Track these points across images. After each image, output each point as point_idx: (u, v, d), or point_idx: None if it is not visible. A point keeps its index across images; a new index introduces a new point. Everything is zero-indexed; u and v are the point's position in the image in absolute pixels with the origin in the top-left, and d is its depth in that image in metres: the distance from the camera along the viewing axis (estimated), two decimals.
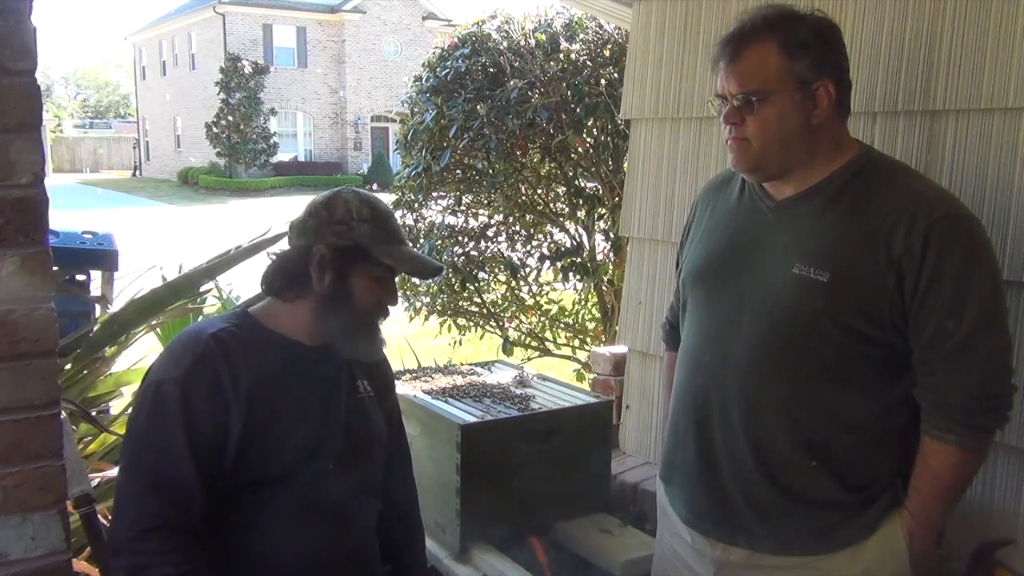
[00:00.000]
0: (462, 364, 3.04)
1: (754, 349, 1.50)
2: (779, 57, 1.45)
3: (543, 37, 4.31)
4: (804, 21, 1.47)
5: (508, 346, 4.78)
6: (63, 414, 1.16)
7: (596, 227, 4.59)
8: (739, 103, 1.46)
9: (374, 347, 1.62)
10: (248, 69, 28.94)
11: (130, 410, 1.71)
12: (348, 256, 1.53)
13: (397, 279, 1.66)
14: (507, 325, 4.91)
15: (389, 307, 1.60)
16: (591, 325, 5.03)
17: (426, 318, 4.95)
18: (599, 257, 4.61)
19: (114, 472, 2.31)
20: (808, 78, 1.45)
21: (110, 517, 1.49)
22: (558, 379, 2.87)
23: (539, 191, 4.66)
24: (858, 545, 1.50)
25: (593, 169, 4.40)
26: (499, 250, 4.71)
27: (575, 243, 4.64)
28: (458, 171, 4.53)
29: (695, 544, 1.64)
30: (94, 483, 2.01)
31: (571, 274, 4.59)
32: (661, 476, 1.77)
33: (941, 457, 1.44)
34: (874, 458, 1.50)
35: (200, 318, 2.94)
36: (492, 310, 4.91)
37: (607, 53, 4.25)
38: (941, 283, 1.39)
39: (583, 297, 5.01)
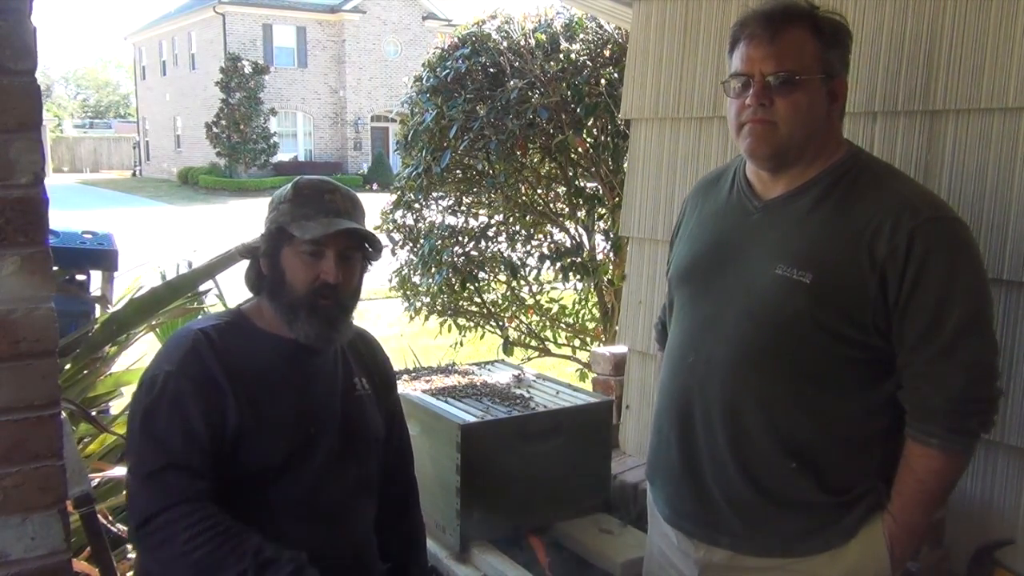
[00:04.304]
0: (462, 364, 3.04)
1: (736, 350, 1.49)
2: (815, 43, 1.44)
3: (543, 37, 4.31)
4: (829, 19, 1.48)
5: (508, 346, 4.78)
6: (63, 414, 1.15)
7: (596, 227, 4.59)
8: (777, 82, 1.42)
9: (323, 330, 1.53)
10: (248, 69, 28.91)
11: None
12: (274, 238, 1.54)
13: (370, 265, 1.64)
14: (507, 325, 4.91)
15: (329, 282, 1.52)
16: (591, 325, 5.03)
17: (426, 318, 4.95)
18: (599, 257, 4.61)
19: (114, 472, 2.32)
20: (834, 71, 1.46)
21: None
22: (558, 379, 2.87)
23: (539, 191, 4.66)
24: (839, 548, 1.49)
25: (593, 169, 4.40)
26: (499, 250, 4.71)
27: (575, 243, 4.63)
28: (458, 171, 4.53)
29: (680, 544, 1.64)
30: (94, 483, 2.01)
31: (571, 274, 4.59)
32: (647, 476, 1.77)
33: (924, 461, 1.43)
34: (855, 461, 1.49)
35: (200, 317, 2.95)
36: (492, 310, 4.91)
37: (607, 53, 4.25)
38: (925, 286, 1.38)
39: (583, 297, 5.01)
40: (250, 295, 1.64)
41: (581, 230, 4.61)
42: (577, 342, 5.05)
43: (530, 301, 4.93)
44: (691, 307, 1.61)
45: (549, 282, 4.94)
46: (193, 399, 1.45)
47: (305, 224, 1.50)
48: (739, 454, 1.50)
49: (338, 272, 1.52)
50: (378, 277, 1.69)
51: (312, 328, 1.53)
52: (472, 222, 4.73)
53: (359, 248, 1.58)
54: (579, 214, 4.57)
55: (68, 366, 2.37)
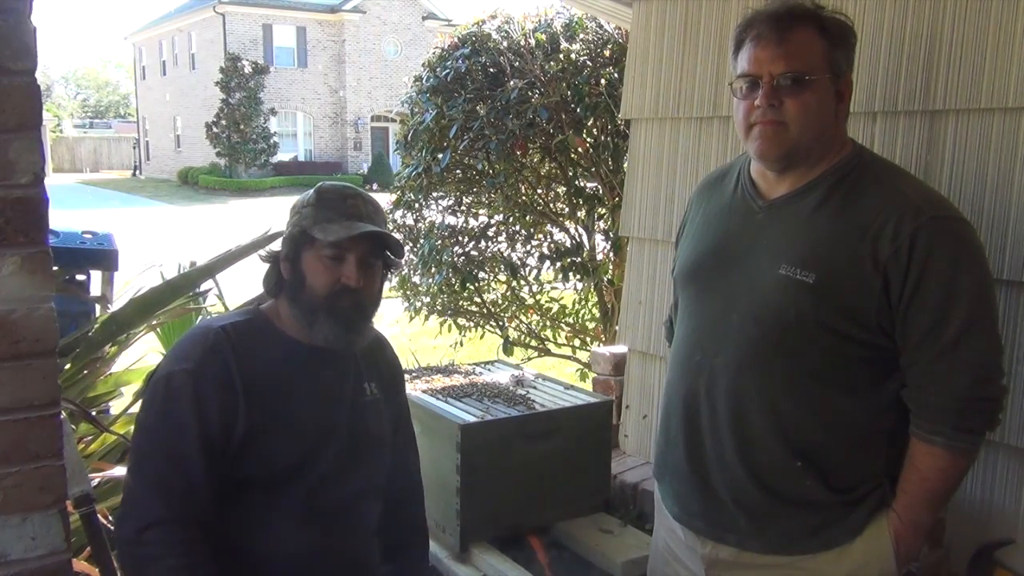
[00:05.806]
0: (462, 364, 3.04)
1: (741, 350, 1.50)
2: (822, 43, 1.44)
3: (543, 37, 4.30)
4: (834, 19, 1.48)
5: (508, 346, 4.78)
6: (63, 414, 1.15)
7: (596, 227, 4.59)
8: (786, 82, 1.42)
9: (342, 332, 1.54)
10: (248, 69, 28.93)
11: (139, 405, 1.71)
12: (296, 242, 1.54)
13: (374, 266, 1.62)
14: (507, 325, 4.91)
15: (350, 286, 1.51)
16: (591, 325, 5.03)
17: (426, 318, 4.95)
18: (599, 257, 4.61)
19: (114, 472, 2.31)
20: (840, 70, 1.46)
21: (118, 509, 1.48)
22: (558, 379, 2.87)
23: (539, 191, 4.66)
24: (845, 546, 1.49)
25: (593, 169, 4.40)
26: (499, 250, 4.71)
27: (575, 243, 4.63)
28: (458, 171, 4.53)
29: (687, 541, 1.64)
30: (94, 483, 2.01)
31: (571, 274, 4.59)
32: (654, 474, 1.77)
33: (929, 459, 1.43)
34: (861, 459, 1.50)
35: (200, 318, 2.94)
36: (492, 310, 4.91)
37: (607, 53, 4.25)
38: (928, 285, 1.39)
39: (583, 297, 5.01)
40: (257, 295, 1.65)
41: (581, 230, 4.61)
42: (577, 342, 5.05)
43: (530, 301, 4.93)
44: (696, 306, 1.61)
45: (549, 282, 4.94)
46: (208, 400, 1.45)
47: (327, 227, 1.50)
48: (745, 453, 1.51)
49: (359, 276, 1.52)
50: None
51: (331, 330, 1.53)
52: (472, 222, 4.72)
53: (380, 255, 1.58)
54: (579, 214, 4.57)
55: (68, 366, 2.36)
